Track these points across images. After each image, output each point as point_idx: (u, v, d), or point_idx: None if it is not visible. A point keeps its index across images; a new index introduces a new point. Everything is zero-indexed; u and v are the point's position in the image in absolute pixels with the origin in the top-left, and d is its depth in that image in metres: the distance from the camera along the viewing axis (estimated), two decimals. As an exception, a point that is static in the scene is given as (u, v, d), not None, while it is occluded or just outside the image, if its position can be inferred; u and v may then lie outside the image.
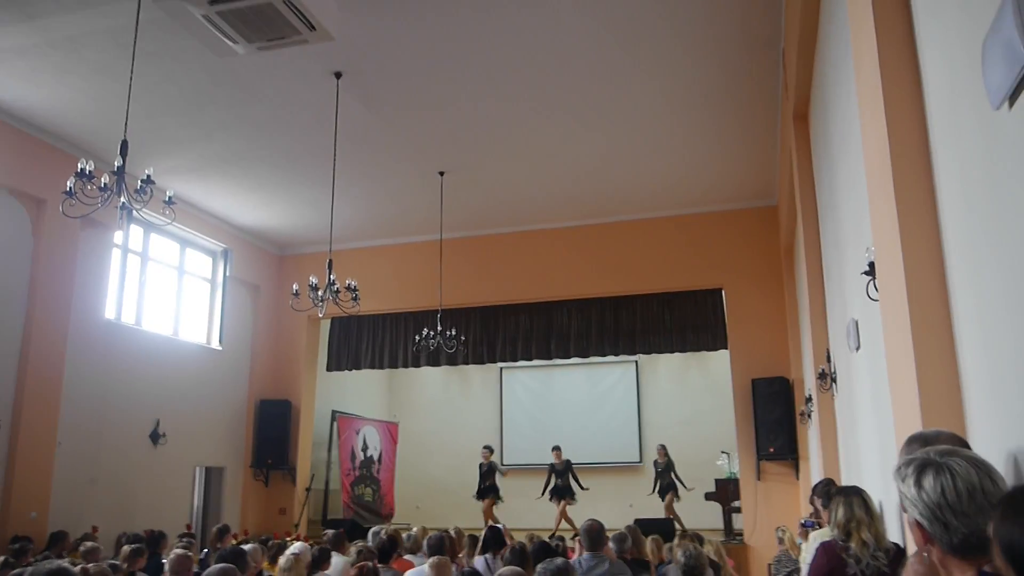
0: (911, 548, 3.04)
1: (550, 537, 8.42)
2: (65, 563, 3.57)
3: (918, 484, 1.62)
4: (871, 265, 3.90)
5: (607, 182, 11.96)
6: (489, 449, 14.84)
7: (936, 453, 1.65)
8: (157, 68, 8.46)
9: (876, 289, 3.75)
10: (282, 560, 6.56)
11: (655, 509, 14.16)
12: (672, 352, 14.26)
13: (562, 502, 14.08)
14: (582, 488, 14.27)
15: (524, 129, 10.11)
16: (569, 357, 14.42)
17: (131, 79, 6.83)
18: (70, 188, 6.15)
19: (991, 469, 1.61)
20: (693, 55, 8.43)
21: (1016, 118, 1.90)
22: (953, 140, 2.61)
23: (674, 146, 10.68)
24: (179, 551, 5.41)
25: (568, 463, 14.38)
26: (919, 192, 2.87)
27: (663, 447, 14.80)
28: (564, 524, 13.74)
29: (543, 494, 14.27)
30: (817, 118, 6.95)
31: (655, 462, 14.69)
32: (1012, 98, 1.89)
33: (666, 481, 14.35)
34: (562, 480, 14.27)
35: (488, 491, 14.33)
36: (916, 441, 2.28)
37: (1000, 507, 1.39)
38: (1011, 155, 1.98)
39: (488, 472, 14.46)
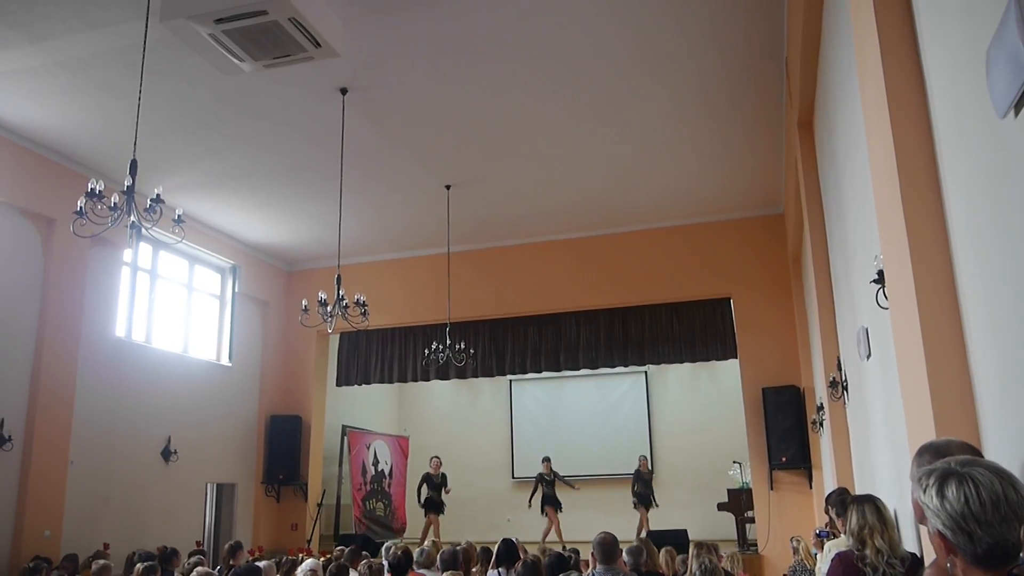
0: (928, 557, 3.02)
1: (564, 548, 8.38)
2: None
3: (940, 494, 1.61)
4: (880, 273, 3.90)
5: (613, 193, 11.97)
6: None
7: (957, 463, 1.64)
8: (164, 87, 8.52)
9: (886, 297, 3.74)
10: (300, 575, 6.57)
11: (667, 521, 14.10)
12: (681, 362, 14.26)
13: (551, 511, 14.47)
14: (573, 487, 14.88)
15: (529, 142, 10.13)
16: (578, 368, 14.43)
17: (139, 98, 6.87)
18: (80, 208, 6.18)
19: (1013, 478, 1.60)
20: (697, 66, 8.45)
21: (1022, 126, 1.90)
22: (959, 148, 2.61)
23: (680, 156, 10.68)
24: (201, 570, 5.40)
25: (556, 474, 14.75)
26: (927, 200, 2.87)
27: (645, 457, 15.25)
28: (552, 536, 14.16)
29: (530, 504, 14.70)
30: (822, 126, 6.95)
31: (638, 471, 14.83)
32: (1018, 106, 1.89)
33: (648, 492, 14.55)
34: (550, 490, 14.54)
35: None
36: (927, 451, 2.27)
37: None
38: (1018, 163, 1.99)
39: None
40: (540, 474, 14.87)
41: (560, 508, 14.54)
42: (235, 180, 11.23)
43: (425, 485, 15.01)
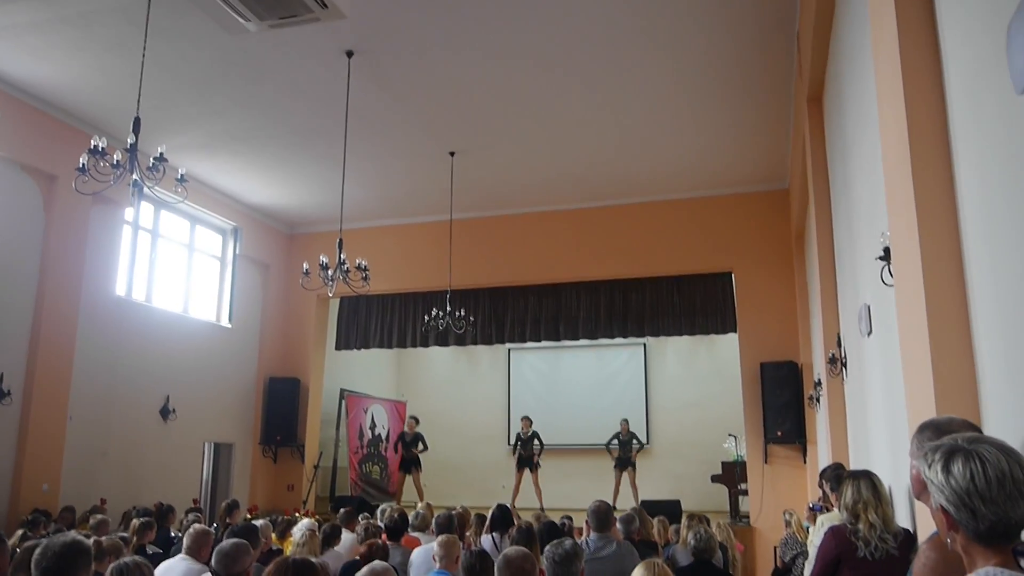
0: (922, 534, 3.05)
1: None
2: (79, 535, 3.60)
3: (946, 470, 1.61)
4: (886, 250, 3.88)
5: (618, 164, 11.92)
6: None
7: (964, 440, 1.65)
8: (169, 46, 8.44)
9: (891, 274, 3.73)
10: (297, 535, 6.62)
11: (660, 490, 14.22)
12: (681, 335, 14.29)
13: (523, 472, 14.37)
14: (535, 454, 14.49)
15: (535, 110, 10.06)
16: (578, 339, 14.44)
17: (143, 56, 6.81)
18: (83, 165, 6.15)
19: (1020, 456, 1.60)
20: (706, 37, 8.37)
21: (1041, 103, 1.88)
22: (974, 125, 2.58)
23: (686, 129, 10.63)
24: (199, 526, 5.44)
25: (534, 434, 14.56)
26: (937, 177, 2.85)
27: (626, 420, 15.08)
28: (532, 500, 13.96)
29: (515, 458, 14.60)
30: (832, 101, 6.89)
31: (618, 435, 14.85)
32: (1037, 83, 1.87)
33: (627, 455, 14.56)
34: (525, 450, 14.46)
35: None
36: (928, 428, 2.27)
37: None
38: (1034, 140, 1.97)
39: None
40: (517, 433, 14.92)
41: (529, 469, 14.32)
42: (238, 141, 11.17)
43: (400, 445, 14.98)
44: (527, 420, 14.77)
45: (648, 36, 8.34)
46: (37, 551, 3.38)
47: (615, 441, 14.79)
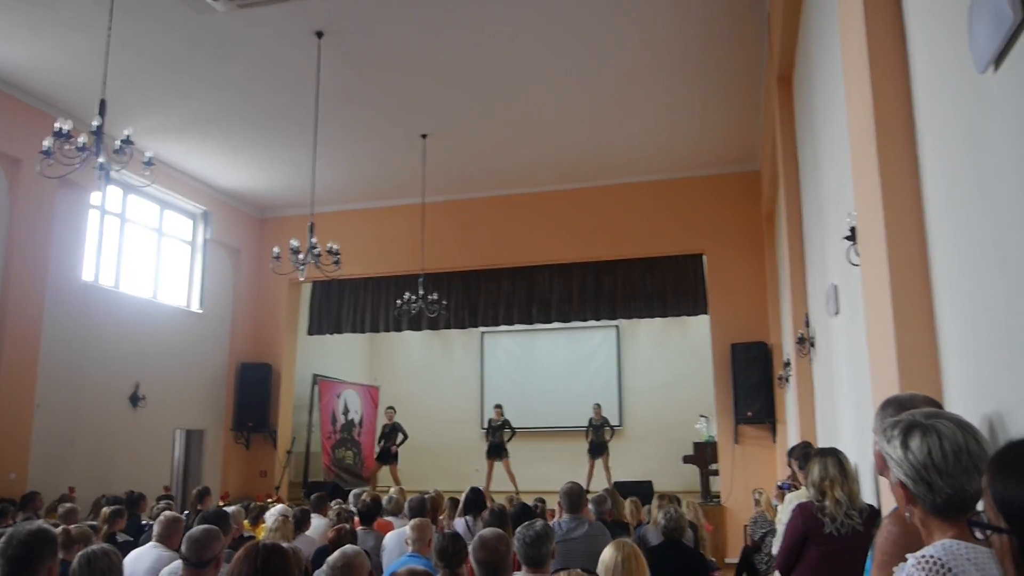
0: (886, 510, 3.09)
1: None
2: (46, 524, 3.56)
3: (904, 445, 1.64)
4: (852, 230, 3.92)
5: (590, 146, 11.92)
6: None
7: (922, 415, 1.68)
8: (135, 25, 8.29)
9: (857, 254, 3.77)
10: (270, 520, 6.60)
11: (633, 472, 14.30)
12: (653, 317, 14.34)
13: (494, 460, 14.49)
14: (505, 440, 14.60)
15: (507, 93, 10.03)
16: (550, 322, 14.47)
17: (108, 36, 6.70)
18: (47, 148, 6.05)
19: (976, 431, 1.63)
20: (677, 17, 8.37)
21: (1001, 81, 1.90)
22: (937, 103, 2.61)
23: (657, 110, 10.64)
24: (169, 513, 5.39)
25: (505, 422, 14.66)
26: (902, 156, 2.88)
27: (599, 405, 15.15)
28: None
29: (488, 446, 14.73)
30: (801, 82, 6.93)
31: (591, 420, 14.90)
32: (998, 61, 1.89)
33: (601, 439, 14.63)
34: (495, 438, 14.54)
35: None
36: (891, 405, 2.30)
37: (993, 464, 1.43)
38: (995, 118, 1.99)
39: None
40: (489, 419, 14.95)
41: (499, 457, 14.43)
42: (207, 124, 11.02)
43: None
44: (499, 408, 14.84)
45: (619, 16, 8.33)
46: (2, 540, 3.33)
47: (590, 431, 14.82)
